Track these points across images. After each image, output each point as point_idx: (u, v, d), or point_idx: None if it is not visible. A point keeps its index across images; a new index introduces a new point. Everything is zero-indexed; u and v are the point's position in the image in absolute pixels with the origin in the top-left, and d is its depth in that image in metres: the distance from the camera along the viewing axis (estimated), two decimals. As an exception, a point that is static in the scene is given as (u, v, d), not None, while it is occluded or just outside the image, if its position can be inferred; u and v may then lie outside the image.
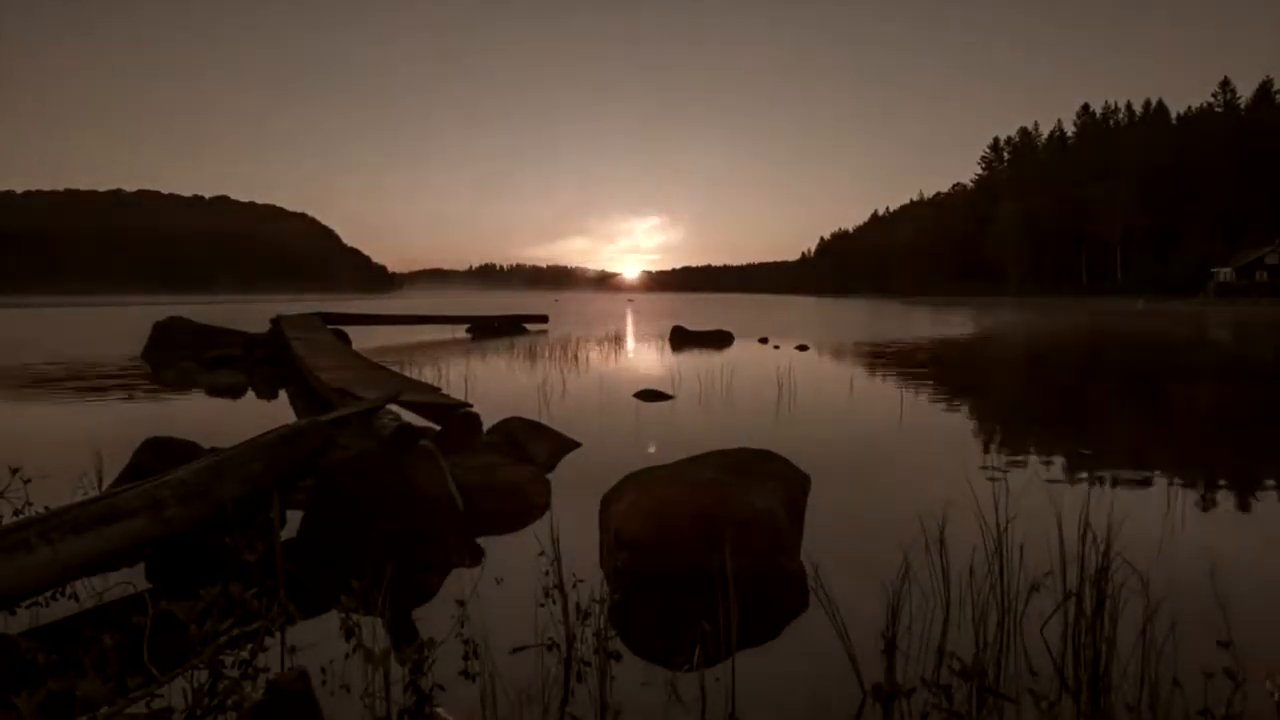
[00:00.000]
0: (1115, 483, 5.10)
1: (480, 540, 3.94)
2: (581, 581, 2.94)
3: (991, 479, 5.10)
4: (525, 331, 22.59)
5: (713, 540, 3.08)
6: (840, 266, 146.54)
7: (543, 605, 2.76)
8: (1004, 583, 2.78)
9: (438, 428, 5.50)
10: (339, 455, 4.04)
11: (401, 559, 3.16)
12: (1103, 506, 4.23)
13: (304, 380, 8.69)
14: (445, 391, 7.03)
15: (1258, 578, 3.43)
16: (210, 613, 2.50)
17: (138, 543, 3.06)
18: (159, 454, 4.69)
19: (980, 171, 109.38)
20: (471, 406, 5.62)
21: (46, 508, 3.39)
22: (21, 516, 3.49)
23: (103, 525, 2.87)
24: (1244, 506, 4.68)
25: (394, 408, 4.93)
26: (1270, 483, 5.20)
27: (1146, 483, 5.10)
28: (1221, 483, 5.14)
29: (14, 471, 3.78)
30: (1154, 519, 4.19)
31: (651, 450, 5.87)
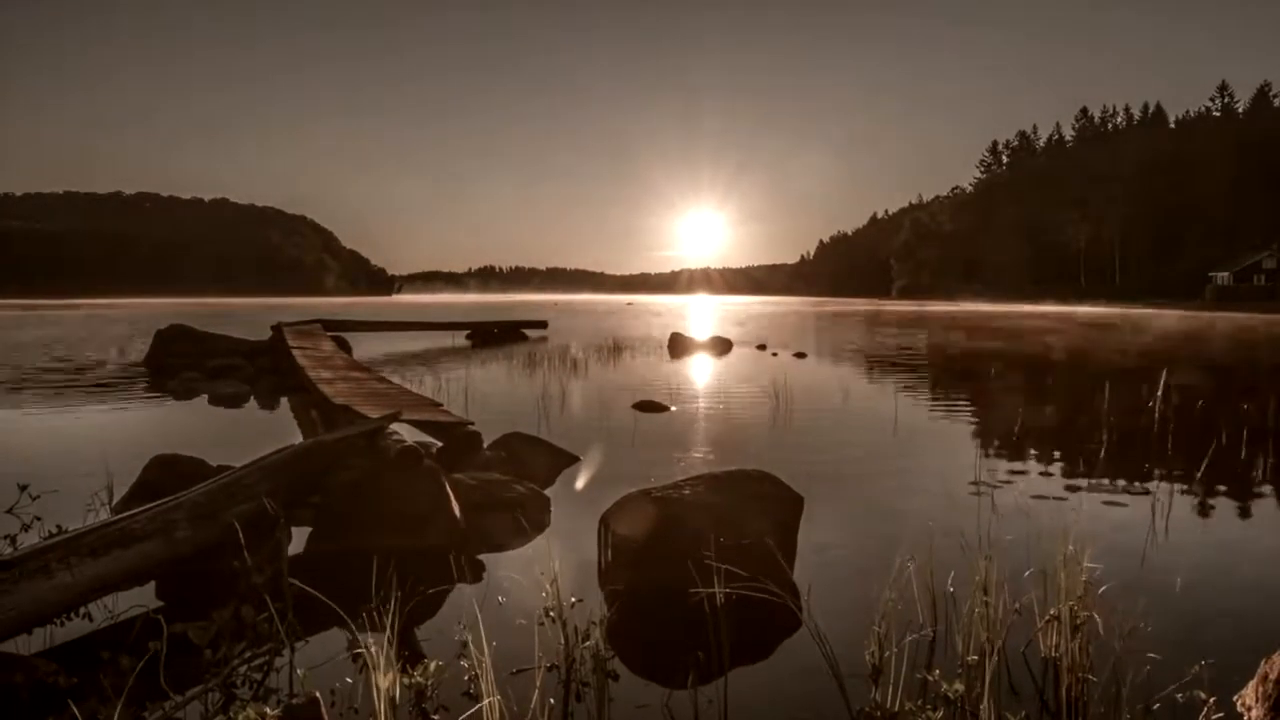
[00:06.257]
0: (1101, 498, 5.20)
1: (482, 557, 4.04)
2: (580, 601, 3.03)
3: (979, 494, 5.21)
4: (525, 338, 22.68)
5: (707, 562, 3.18)
6: (839, 270, 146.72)
7: (543, 625, 2.85)
8: (988, 603, 2.88)
9: (440, 444, 5.60)
10: (345, 475, 4.14)
11: (406, 578, 3.25)
12: (1088, 525, 4.33)
13: (306, 391, 8.79)
14: (445, 404, 7.13)
15: (1240, 596, 3.53)
16: (223, 635, 2.60)
17: (150, 565, 3.16)
18: (167, 471, 4.79)
19: (979, 175, 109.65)
20: (472, 424, 5.71)
21: (59, 526, 3.49)
22: (31, 535, 3.57)
23: (118, 549, 2.97)
24: (1228, 524, 4.78)
25: (397, 425, 5.03)
26: (1258, 501, 5.31)
27: (1131, 499, 5.20)
28: (1205, 497, 5.25)
29: (23, 488, 3.86)
30: (1136, 538, 4.29)
31: (649, 465, 5.96)
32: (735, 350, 18.36)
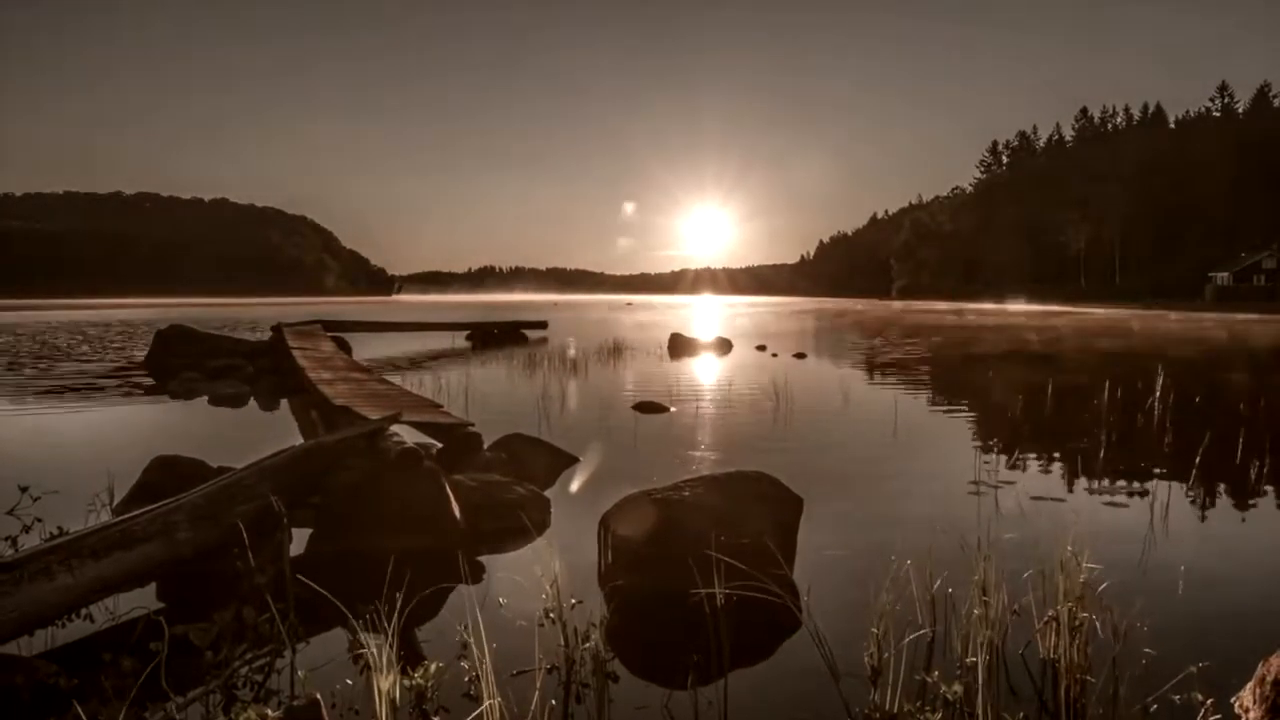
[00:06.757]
0: (1099, 498, 5.21)
1: (482, 559, 4.05)
2: (580, 602, 3.04)
3: (978, 494, 5.21)
4: (525, 339, 22.69)
5: (707, 563, 3.19)
6: (839, 270, 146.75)
7: (543, 626, 2.86)
8: (987, 604, 2.89)
9: (440, 445, 5.61)
10: (345, 476, 4.15)
11: (406, 579, 3.26)
12: (1086, 525, 4.33)
13: (306, 391, 8.80)
14: (445, 405, 7.14)
15: (1238, 597, 3.53)
16: (224, 637, 2.61)
17: (151, 566, 3.17)
18: (168, 473, 4.81)
19: (979, 175, 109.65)
20: (473, 425, 5.72)
21: (60, 528, 3.50)
22: (32, 536, 3.57)
23: (119, 550, 2.98)
24: (1226, 524, 4.79)
25: (397, 427, 5.03)
26: (1257, 502, 5.31)
27: (1130, 499, 5.20)
28: (1204, 497, 5.26)
29: (24, 489, 3.87)
30: (1135, 539, 4.30)
31: (649, 466, 5.97)
32: (735, 351, 18.37)
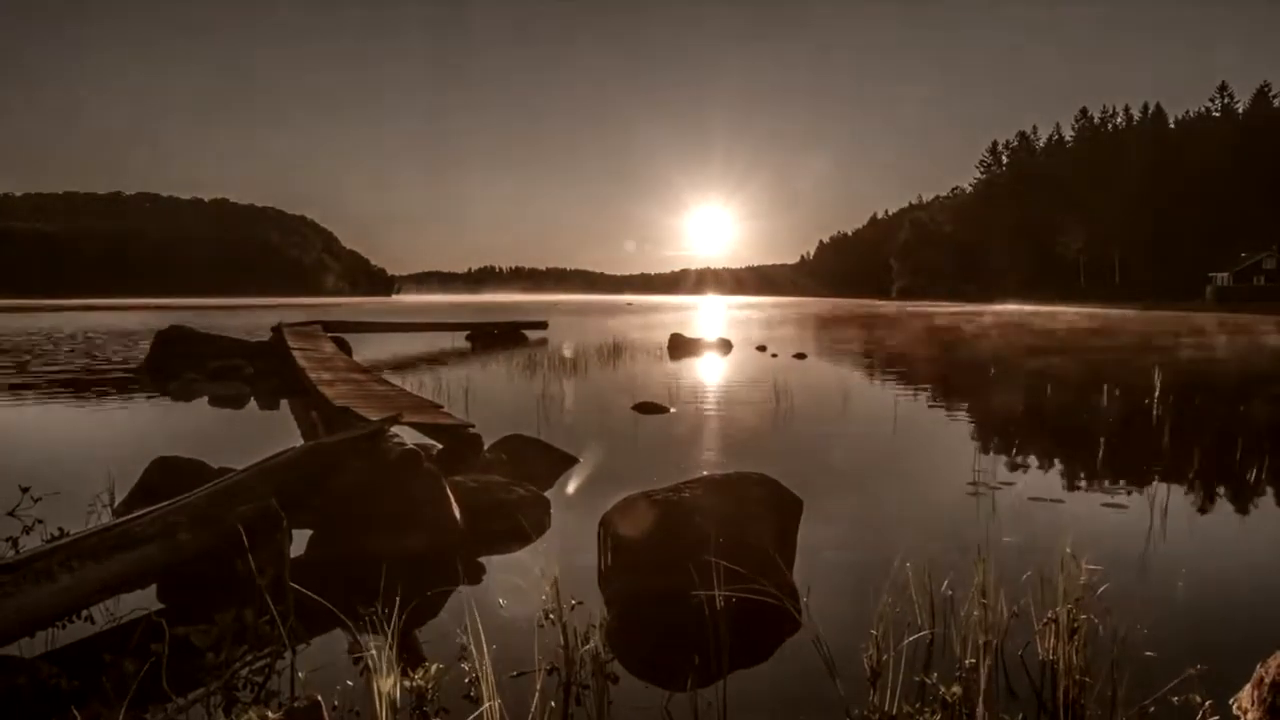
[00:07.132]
0: (1098, 500, 5.21)
1: (482, 560, 4.06)
2: (580, 603, 3.04)
3: (978, 495, 5.21)
4: (525, 339, 22.68)
5: (706, 565, 3.19)
6: (839, 270, 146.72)
7: (543, 627, 2.86)
8: (986, 606, 2.89)
9: (440, 446, 5.62)
10: (345, 478, 4.16)
11: (406, 580, 3.27)
12: (1086, 527, 4.35)
13: (307, 392, 8.81)
14: (446, 406, 7.14)
15: (1237, 599, 3.54)
16: (225, 638, 2.62)
17: (152, 568, 3.18)
18: (168, 473, 4.81)
19: (979, 175, 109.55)
20: (473, 427, 5.73)
21: (61, 529, 3.50)
22: (33, 538, 3.58)
23: (119, 552, 2.98)
24: (1225, 526, 4.80)
25: (398, 428, 5.03)
26: (1256, 503, 5.32)
27: (1129, 500, 5.21)
28: (1202, 499, 5.26)
29: (24, 490, 3.87)
30: (1134, 540, 4.30)
31: (649, 467, 5.97)
32: (735, 351, 18.36)
